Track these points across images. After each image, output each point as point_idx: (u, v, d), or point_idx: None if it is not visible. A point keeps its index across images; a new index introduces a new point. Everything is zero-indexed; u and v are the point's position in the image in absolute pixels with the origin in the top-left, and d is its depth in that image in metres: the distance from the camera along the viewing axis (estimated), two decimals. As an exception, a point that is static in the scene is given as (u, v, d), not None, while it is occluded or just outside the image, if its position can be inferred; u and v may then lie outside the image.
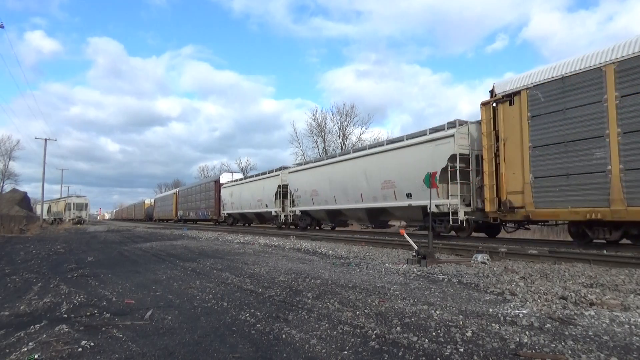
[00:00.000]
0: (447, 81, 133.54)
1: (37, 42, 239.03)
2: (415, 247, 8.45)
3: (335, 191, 18.89)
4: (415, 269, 7.38)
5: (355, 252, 10.70)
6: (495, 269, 7.30)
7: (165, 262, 9.21)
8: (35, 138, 57.55)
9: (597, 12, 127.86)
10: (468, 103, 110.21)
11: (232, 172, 39.78)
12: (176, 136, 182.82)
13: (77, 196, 56.58)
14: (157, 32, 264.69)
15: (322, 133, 48.41)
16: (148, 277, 7.12)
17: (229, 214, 33.37)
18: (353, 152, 18.45)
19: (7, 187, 57.44)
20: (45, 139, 46.00)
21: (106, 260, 10.09)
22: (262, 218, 28.81)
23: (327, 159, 20.63)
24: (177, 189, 54.92)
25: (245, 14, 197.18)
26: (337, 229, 23.14)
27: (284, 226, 24.89)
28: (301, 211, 22.44)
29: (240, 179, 32.90)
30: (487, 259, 8.22)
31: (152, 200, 70.71)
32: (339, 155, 19.76)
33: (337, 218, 20.98)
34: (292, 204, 23.33)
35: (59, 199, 59.97)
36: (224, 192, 33.76)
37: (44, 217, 48.06)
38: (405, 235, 9.07)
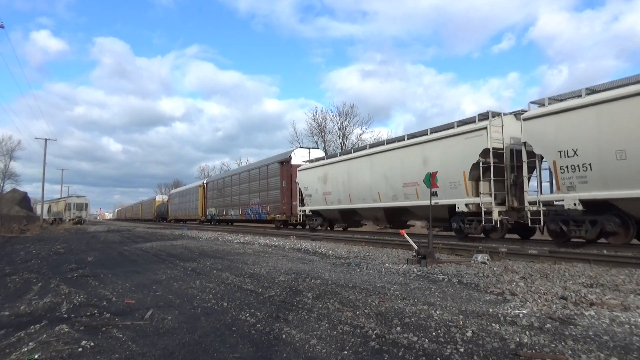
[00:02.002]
0: (452, 81, 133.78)
1: (43, 42, 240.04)
2: (415, 247, 8.45)
3: None
4: (415, 269, 7.38)
5: (355, 252, 10.69)
6: (495, 269, 7.29)
7: (165, 262, 9.21)
8: (36, 138, 57.66)
9: (602, 12, 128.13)
10: (471, 103, 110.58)
11: (308, 148, 26.37)
12: (179, 136, 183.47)
13: (77, 196, 56.70)
14: (163, 31, 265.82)
15: (322, 133, 48.38)
16: (148, 277, 7.12)
17: (316, 212, 20.91)
18: None
19: (8, 187, 57.39)
20: (46, 139, 46.24)
21: (106, 260, 10.09)
22: (404, 217, 16.39)
23: None
24: (205, 180, 42.77)
25: (251, 13, 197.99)
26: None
27: (493, 233, 12.72)
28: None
29: (347, 153, 19.23)
30: (487, 259, 8.23)
31: (165, 196, 62.98)
32: None
33: None
34: (556, 186, 10.29)
35: (59, 199, 60.01)
36: (303, 177, 21.63)
37: (44, 217, 48.23)
38: (405, 235, 9.07)
